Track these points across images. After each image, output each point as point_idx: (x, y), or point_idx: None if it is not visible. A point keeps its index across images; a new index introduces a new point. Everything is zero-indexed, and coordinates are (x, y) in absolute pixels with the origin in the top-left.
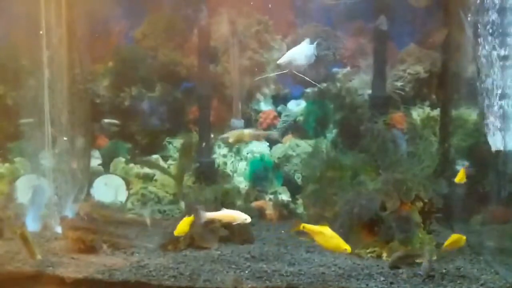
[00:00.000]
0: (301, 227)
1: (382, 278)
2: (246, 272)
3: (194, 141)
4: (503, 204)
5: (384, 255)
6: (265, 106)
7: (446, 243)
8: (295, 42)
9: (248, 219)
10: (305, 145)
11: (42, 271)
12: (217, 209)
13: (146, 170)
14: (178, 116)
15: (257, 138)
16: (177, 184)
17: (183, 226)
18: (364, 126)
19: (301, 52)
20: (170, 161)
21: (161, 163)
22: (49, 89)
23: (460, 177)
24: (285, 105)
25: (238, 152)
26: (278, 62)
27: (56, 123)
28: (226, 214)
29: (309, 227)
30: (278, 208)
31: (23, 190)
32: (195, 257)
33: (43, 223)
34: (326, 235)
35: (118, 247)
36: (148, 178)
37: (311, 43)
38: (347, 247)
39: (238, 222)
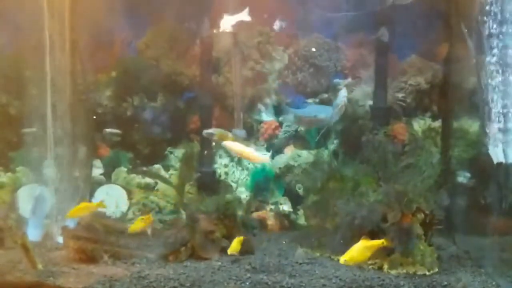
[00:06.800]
0: None
1: None
2: (247, 283)
3: (196, 151)
4: (504, 215)
5: (385, 267)
6: (267, 116)
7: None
8: (297, 53)
9: None
10: (307, 156)
11: (42, 281)
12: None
13: (147, 180)
14: (180, 126)
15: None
16: (178, 194)
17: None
18: (365, 137)
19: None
20: (171, 171)
21: (163, 172)
22: (52, 98)
23: None
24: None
25: (239, 162)
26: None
27: (58, 133)
28: None
29: None
30: (279, 218)
31: (25, 200)
32: (196, 268)
33: (44, 233)
34: None
35: (119, 257)
36: (149, 188)
37: None
38: None
39: None
